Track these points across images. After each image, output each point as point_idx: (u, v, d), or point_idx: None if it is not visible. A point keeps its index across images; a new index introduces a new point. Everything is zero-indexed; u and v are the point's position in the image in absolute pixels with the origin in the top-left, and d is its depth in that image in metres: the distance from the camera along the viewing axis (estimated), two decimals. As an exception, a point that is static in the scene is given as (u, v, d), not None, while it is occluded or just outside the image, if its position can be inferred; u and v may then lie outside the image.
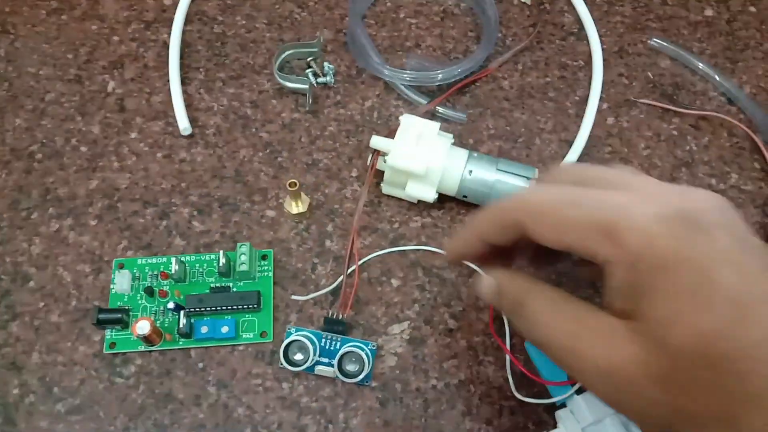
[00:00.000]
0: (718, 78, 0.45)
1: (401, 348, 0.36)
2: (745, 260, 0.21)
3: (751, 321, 0.20)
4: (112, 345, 0.36)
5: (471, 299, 0.38)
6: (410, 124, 0.39)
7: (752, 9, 0.49)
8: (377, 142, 0.39)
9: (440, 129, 0.39)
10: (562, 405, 0.33)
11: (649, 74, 0.46)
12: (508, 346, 0.36)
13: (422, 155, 0.38)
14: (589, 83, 0.45)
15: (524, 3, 0.49)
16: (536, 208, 0.24)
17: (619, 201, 0.22)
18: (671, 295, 0.21)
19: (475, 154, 0.39)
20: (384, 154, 0.39)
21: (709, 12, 0.49)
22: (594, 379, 0.23)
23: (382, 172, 0.40)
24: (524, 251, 0.29)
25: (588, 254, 0.22)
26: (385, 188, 0.41)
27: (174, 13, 0.47)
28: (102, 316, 0.35)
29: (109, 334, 0.36)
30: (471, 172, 0.38)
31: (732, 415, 0.20)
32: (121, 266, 0.38)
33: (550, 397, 0.33)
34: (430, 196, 0.39)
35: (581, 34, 0.48)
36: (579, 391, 0.32)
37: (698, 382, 0.20)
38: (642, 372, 0.21)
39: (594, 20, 0.48)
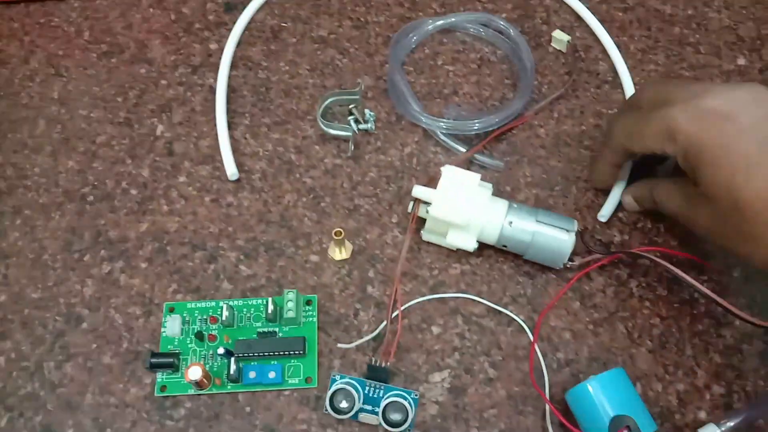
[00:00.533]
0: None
1: (442, 396, 0.37)
2: (761, 134, 0.32)
3: (756, 174, 0.32)
4: (163, 388, 0.37)
5: (510, 348, 0.39)
6: (452, 175, 0.40)
7: (784, 58, 0.50)
8: (420, 191, 0.40)
9: (480, 178, 0.40)
10: None
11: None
12: (547, 396, 0.37)
13: (463, 206, 0.39)
14: (624, 132, 0.46)
15: (559, 51, 0.50)
16: (629, 133, 0.38)
17: (671, 113, 0.34)
18: (709, 167, 0.33)
19: (515, 205, 0.40)
20: (426, 203, 0.40)
21: (741, 61, 0.50)
22: (704, 219, 0.36)
23: (423, 219, 0.41)
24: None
25: (662, 152, 0.36)
26: (426, 235, 0.42)
27: (220, 59, 0.49)
28: (154, 360, 0.36)
29: (160, 377, 0.37)
30: (511, 223, 0.39)
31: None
32: (172, 310, 0.39)
33: None
34: (471, 245, 0.40)
35: (616, 82, 0.49)
36: None
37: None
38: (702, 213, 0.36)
39: (628, 68, 0.49)
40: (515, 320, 0.39)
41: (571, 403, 0.35)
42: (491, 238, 0.40)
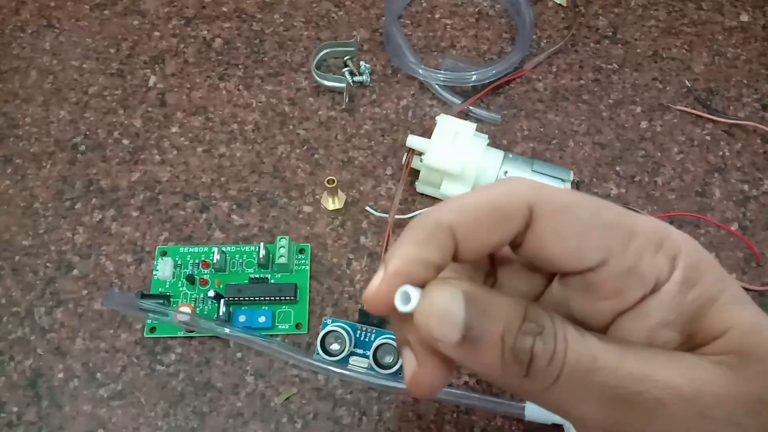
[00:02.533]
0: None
1: (434, 344, 0.37)
2: None
3: None
4: (153, 329, 0.37)
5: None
6: (446, 124, 0.40)
7: (788, 15, 0.49)
8: (414, 141, 0.39)
9: (475, 130, 0.40)
10: None
11: (686, 81, 0.46)
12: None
13: (458, 155, 0.38)
14: (623, 87, 0.46)
15: (559, 5, 0.49)
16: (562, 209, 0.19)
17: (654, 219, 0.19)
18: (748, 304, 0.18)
19: (511, 155, 0.39)
20: (420, 154, 0.39)
21: (744, 17, 0.49)
22: (675, 409, 0.18)
23: (417, 171, 0.40)
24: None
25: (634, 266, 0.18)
26: (420, 187, 0.41)
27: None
28: (144, 300, 0.36)
29: (149, 318, 0.37)
30: (506, 172, 0.39)
31: None
32: (164, 254, 0.39)
33: None
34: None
35: (615, 38, 0.48)
36: None
37: None
38: (732, 393, 0.18)
39: (629, 24, 0.48)
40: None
41: None
42: None
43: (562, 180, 0.38)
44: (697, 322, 0.18)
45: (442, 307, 0.17)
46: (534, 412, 0.33)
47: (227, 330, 0.35)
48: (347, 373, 0.35)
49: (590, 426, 0.18)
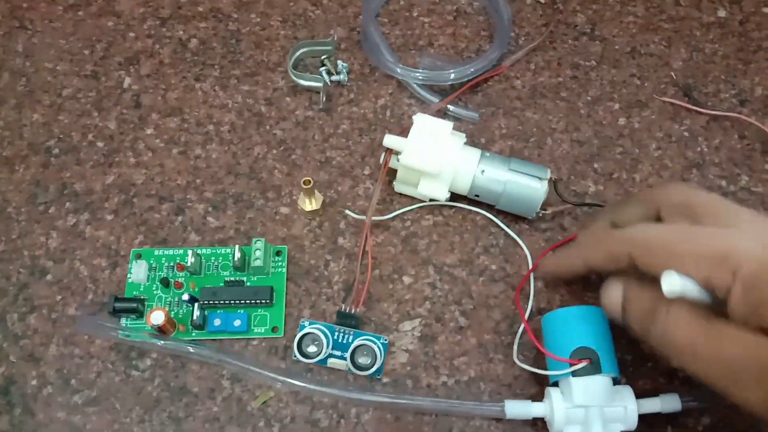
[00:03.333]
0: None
1: (412, 345, 0.37)
2: None
3: None
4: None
5: (481, 298, 0.38)
6: (423, 123, 0.39)
7: (765, 10, 0.49)
8: (391, 140, 0.39)
9: (453, 128, 0.40)
10: (556, 384, 0.33)
11: (672, 74, 0.46)
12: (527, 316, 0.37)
13: (435, 155, 0.38)
14: (601, 83, 0.46)
15: (538, 1, 0.49)
16: (649, 243, 0.29)
17: (730, 236, 0.27)
18: None
19: (488, 154, 0.39)
20: (397, 153, 0.39)
21: (722, 13, 0.49)
22: (725, 372, 0.27)
23: (395, 171, 0.40)
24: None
25: (703, 281, 0.27)
26: (398, 186, 0.41)
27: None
28: (118, 304, 0.36)
29: (124, 322, 0.36)
30: (483, 171, 0.38)
31: None
32: (139, 256, 0.38)
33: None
34: (442, 195, 0.39)
35: (593, 34, 0.48)
36: (576, 375, 0.32)
37: None
38: None
39: (607, 20, 0.48)
40: (487, 270, 0.39)
41: (544, 327, 0.35)
42: (463, 187, 0.39)
43: (540, 178, 0.38)
44: None
45: (611, 295, 0.31)
46: (514, 409, 0.33)
47: (191, 350, 0.34)
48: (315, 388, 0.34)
49: (685, 362, 0.28)
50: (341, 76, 0.45)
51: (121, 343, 0.36)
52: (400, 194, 0.41)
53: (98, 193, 0.41)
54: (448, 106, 0.44)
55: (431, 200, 0.41)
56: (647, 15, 0.49)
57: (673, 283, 0.27)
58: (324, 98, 0.44)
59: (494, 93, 0.45)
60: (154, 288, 0.37)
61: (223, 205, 0.41)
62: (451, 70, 0.44)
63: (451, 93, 0.44)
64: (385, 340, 0.36)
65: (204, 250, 0.38)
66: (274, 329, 0.37)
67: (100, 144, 0.43)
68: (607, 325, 0.34)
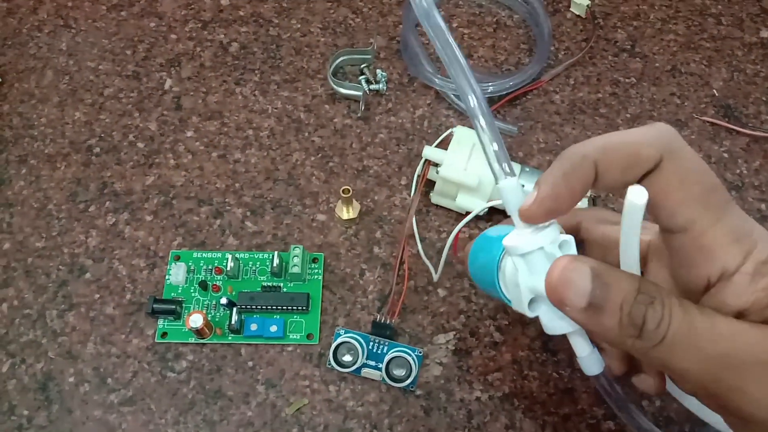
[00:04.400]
0: None
1: (446, 358, 0.37)
2: None
3: None
4: (164, 335, 0.37)
5: (517, 314, 0.38)
6: (463, 136, 0.39)
7: (809, 32, 0.49)
8: (430, 152, 0.39)
9: (493, 142, 0.39)
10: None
11: (715, 92, 0.46)
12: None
13: (474, 168, 0.38)
14: (641, 101, 0.45)
15: (578, 16, 0.49)
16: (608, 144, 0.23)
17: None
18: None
19: (528, 168, 0.39)
20: (435, 165, 0.39)
21: (764, 33, 0.49)
22: (759, 370, 0.21)
23: (432, 182, 0.40)
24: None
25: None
26: (435, 198, 0.41)
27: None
28: (157, 306, 0.36)
29: (161, 323, 0.37)
30: (523, 186, 0.38)
31: None
32: (177, 258, 0.39)
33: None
34: (480, 208, 0.39)
35: (634, 51, 0.48)
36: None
37: None
38: None
39: (647, 37, 0.48)
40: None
41: (474, 277, 0.30)
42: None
43: None
44: None
45: (573, 278, 0.21)
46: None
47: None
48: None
49: (690, 380, 0.21)
50: (380, 85, 0.45)
51: (158, 343, 0.37)
52: (437, 206, 0.41)
53: (138, 194, 0.42)
54: (487, 118, 0.44)
55: (467, 212, 0.41)
56: (688, 33, 0.49)
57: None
58: (363, 107, 0.44)
59: (533, 107, 0.45)
60: (192, 290, 0.38)
61: (261, 210, 0.41)
62: (490, 83, 0.44)
63: (490, 105, 0.44)
64: (420, 352, 0.36)
65: (242, 255, 0.39)
66: (309, 336, 0.37)
67: (140, 144, 0.43)
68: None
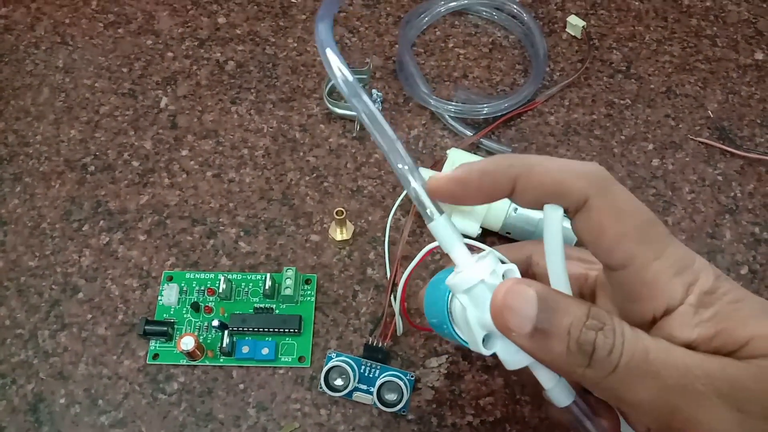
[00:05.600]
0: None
1: (438, 382, 0.37)
2: None
3: None
4: (156, 356, 0.37)
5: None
6: (458, 158, 0.39)
7: (804, 54, 0.49)
8: (425, 175, 0.39)
9: (487, 164, 0.40)
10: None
11: (710, 113, 0.46)
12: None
13: (468, 190, 0.38)
14: (636, 123, 0.45)
15: (573, 37, 0.49)
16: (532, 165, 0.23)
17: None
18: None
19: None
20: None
21: (759, 55, 0.49)
22: (716, 401, 0.20)
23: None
24: None
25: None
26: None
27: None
28: (149, 327, 0.36)
29: (153, 345, 0.37)
30: (516, 210, 0.38)
31: None
32: (170, 279, 0.39)
33: None
34: (474, 230, 0.39)
35: (629, 72, 0.48)
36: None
37: None
38: (765, 389, 0.20)
39: (643, 59, 0.48)
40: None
41: (429, 317, 0.28)
42: (495, 224, 0.39)
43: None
44: (720, 337, 0.21)
45: (517, 304, 0.20)
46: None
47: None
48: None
49: (645, 413, 0.21)
50: (375, 105, 0.45)
51: (150, 365, 0.37)
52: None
53: (132, 213, 0.42)
54: (481, 139, 0.44)
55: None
56: (683, 55, 0.49)
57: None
58: (358, 127, 0.44)
59: (528, 128, 0.45)
60: (184, 311, 0.38)
61: (254, 230, 0.41)
62: (485, 105, 0.44)
63: (485, 126, 0.45)
64: (412, 376, 0.36)
65: (235, 276, 0.39)
66: (300, 359, 0.37)
67: (135, 163, 0.43)
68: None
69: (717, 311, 0.21)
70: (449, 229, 0.23)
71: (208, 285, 0.38)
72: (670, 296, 0.21)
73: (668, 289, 0.21)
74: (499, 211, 0.39)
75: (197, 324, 0.37)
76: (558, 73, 0.48)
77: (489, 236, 0.41)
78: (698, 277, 0.22)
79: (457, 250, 0.23)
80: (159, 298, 0.38)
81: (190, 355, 0.36)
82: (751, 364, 0.20)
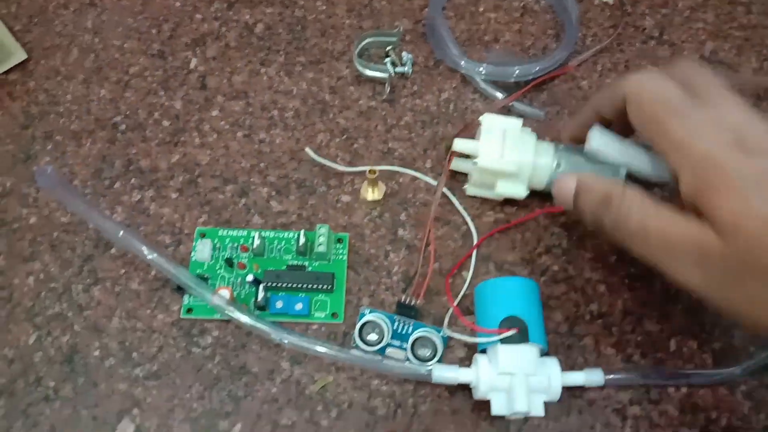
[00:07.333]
0: None
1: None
2: None
3: None
4: (189, 311, 0.37)
5: (542, 298, 0.38)
6: (493, 123, 0.39)
7: (840, 22, 0.48)
8: (462, 145, 0.38)
9: (521, 124, 0.39)
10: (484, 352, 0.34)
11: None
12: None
13: (511, 153, 0.38)
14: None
15: (606, 3, 0.49)
16: (641, 97, 0.31)
17: (700, 130, 0.28)
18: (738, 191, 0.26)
19: (561, 146, 0.38)
20: (463, 156, 0.39)
21: (794, 23, 0.48)
22: (681, 252, 0.28)
23: (455, 172, 0.40)
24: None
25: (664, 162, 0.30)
26: (471, 190, 0.40)
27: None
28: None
29: (187, 300, 0.37)
30: (559, 165, 0.38)
31: None
32: (203, 235, 0.39)
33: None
34: (522, 192, 0.38)
35: (662, 39, 0.47)
36: (503, 342, 0.32)
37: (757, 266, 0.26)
38: (722, 253, 0.26)
39: (676, 25, 0.47)
40: (549, 270, 0.39)
41: (477, 297, 0.36)
42: (540, 182, 0.38)
43: (617, 168, 0.37)
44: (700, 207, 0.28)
45: (564, 186, 0.33)
46: (442, 372, 0.33)
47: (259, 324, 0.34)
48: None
49: (635, 246, 0.30)
50: (405, 68, 0.45)
51: (184, 319, 0.37)
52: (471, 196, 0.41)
53: (163, 171, 0.42)
54: (513, 103, 0.44)
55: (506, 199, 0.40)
56: (717, 22, 0.48)
57: (593, 137, 0.34)
58: (388, 89, 0.44)
59: (560, 92, 0.45)
60: (217, 267, 0.38)
61: (286, 189, 0.41)
62: (516, 67, 0.44)
63: (515, 89, 0.44)
64: (445, 334, 0.36)
65: (268, 233, 0.39)
66: (334, 315, 0.37)
67: (165, 123, 0.43)
68: (537, 297, 0.35)
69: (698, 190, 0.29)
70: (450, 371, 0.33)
71: (242, 242, 0.38)
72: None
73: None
74: (544, 169, 0.38)
75: (231, 280, 0.38)
76: (590, 39, 0.47)
77: (535, 196, 0.40)
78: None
79: None
80: (192, 254, 0.38)
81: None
82: (711, 229, 0.27)
